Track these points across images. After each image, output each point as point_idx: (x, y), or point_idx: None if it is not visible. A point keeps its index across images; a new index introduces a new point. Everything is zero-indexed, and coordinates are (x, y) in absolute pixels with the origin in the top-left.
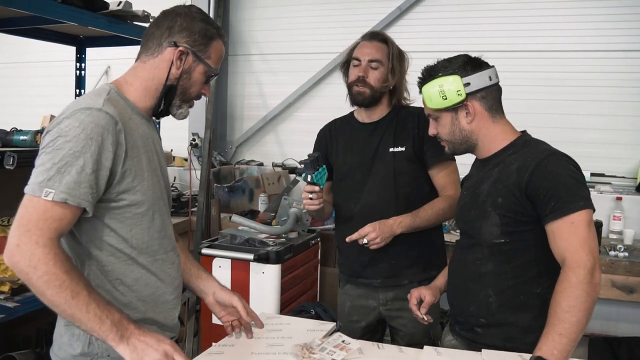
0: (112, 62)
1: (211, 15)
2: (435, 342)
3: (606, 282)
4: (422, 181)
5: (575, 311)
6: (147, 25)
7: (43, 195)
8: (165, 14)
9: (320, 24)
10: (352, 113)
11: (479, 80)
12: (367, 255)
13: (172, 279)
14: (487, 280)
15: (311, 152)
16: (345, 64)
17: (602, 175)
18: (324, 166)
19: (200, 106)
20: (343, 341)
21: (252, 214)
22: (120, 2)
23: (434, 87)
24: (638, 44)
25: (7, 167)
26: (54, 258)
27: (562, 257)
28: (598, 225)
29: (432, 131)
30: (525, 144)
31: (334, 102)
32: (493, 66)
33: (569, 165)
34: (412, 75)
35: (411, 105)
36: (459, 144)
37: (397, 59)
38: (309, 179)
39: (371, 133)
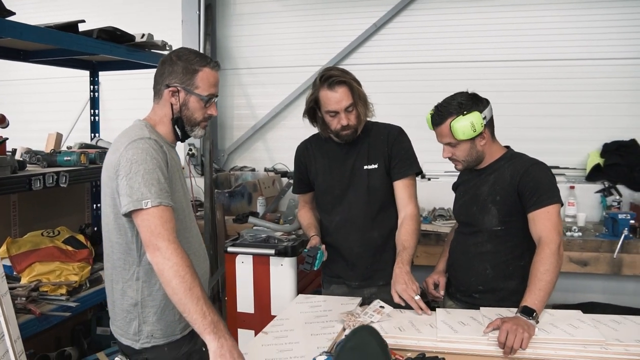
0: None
1: (201, 33)
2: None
3: (564, 259)
4: (393, 193)
5: (549, 273)
6: (165, 52)
7: (144, 206)
8: (159, 63)
9: (303, 39)
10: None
11: (489, 113)
12: (347, 261)
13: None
14: (486, 258)
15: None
16: (311, 111)
17: (557, 167)
18: (320, 252)
19: None
20: (381, 306)
21: (252, 215)
22: (143, 35)
23: (465, 122)
24: (588, 53)
25: (61, 185)
26: (181, 253)
27: (539, 236)
28: None
29: (446, 155)
30: (512, 157)
31: None
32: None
33: (547, 172)
34: (370, 84)
35: (373, 116)
36: (473, 162)
37: (359, 94)
38: (312, 269)
39: (347, 152)
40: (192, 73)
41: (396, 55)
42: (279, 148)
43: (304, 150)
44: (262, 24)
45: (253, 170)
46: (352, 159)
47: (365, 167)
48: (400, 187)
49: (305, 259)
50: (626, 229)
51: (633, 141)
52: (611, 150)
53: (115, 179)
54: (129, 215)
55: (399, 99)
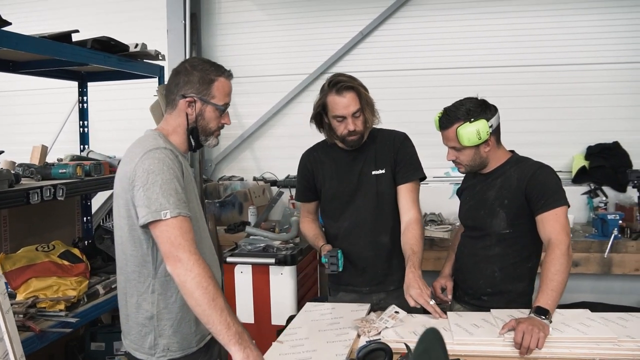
0: None
1: (187, 43)
2: None
3: None
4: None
5: (560, 273)
6: (157, 62)
7: (163, 217)
8: (173, 73)
9: (288, 48)
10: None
11: (496, 121)
12: (356, 266)
13: None
14: (494, 260)
15: (325, 246)
16: (318, 116)
17: None
18: (339, 252)
19: None
20: (396, 312)
21: (243, 225)
22: (137, 45)
23: (471, 129)
24: (570, 58)
25: (59, 198)
26: (202, 263)
27: (548, 237)
28: None
29: (450, 157)
30: (517, 161)
31: (304, 119)
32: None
33: (554, 175)
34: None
35: (379, 123)
36: (476, 166)
37: (366, 99)
38: (339, 270)
39: (354, 158)
40: (209, 83)
41: (383, 63)
42: (266, 157)
43: (310, 157)
44: (247, 33)
45: (242, 179)
46: (360, 165)
47: (374, 172)
48: (404, 192)
49: (329, 262)
50: (616, 229)
51: (616, 143)
52: (595, 152)
53: (131, 190)
54: (146, 226)
55: (387, 106)
